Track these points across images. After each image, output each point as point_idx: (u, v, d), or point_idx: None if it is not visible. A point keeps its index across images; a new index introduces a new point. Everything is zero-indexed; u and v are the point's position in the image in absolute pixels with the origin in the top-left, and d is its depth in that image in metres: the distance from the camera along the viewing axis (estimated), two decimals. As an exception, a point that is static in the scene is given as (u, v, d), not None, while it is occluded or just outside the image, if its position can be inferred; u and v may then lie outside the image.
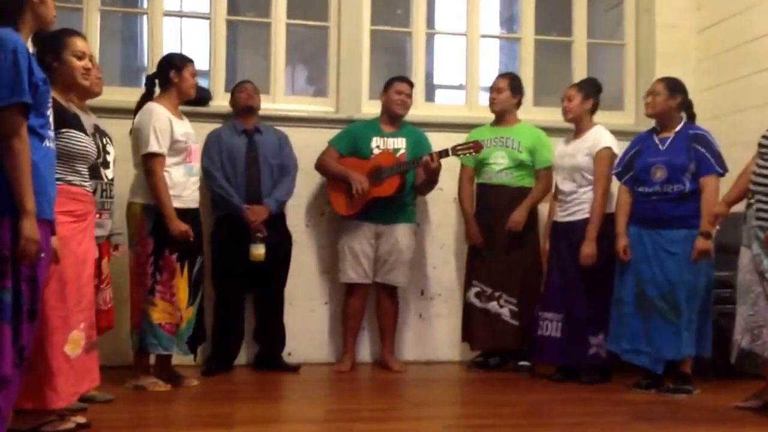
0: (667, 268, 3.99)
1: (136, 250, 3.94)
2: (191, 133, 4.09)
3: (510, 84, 4.73)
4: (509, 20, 7.19)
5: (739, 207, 3.73)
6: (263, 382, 4.35)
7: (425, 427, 3.36)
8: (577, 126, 4.45)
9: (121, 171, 3.92)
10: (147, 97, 4.09)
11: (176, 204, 3.91)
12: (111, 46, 6.05)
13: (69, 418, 3.02)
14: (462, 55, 5.42)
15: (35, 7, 2.63)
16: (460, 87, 5.72)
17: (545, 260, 4.54)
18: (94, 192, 3.40)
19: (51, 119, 2.69)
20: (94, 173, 3.41)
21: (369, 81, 5.09)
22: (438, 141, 4.63)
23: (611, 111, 5.25)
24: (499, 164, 4.64)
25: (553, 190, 4.59)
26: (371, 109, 4.88)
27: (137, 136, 3.93)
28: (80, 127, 3.11)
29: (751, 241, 3.51)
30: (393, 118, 4.71)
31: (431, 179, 4.57)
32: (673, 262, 3.97)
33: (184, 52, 4.23)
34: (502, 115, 4.75)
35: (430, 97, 6.41)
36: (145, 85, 4.14)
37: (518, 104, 4.79)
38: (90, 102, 3.73)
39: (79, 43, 3.17)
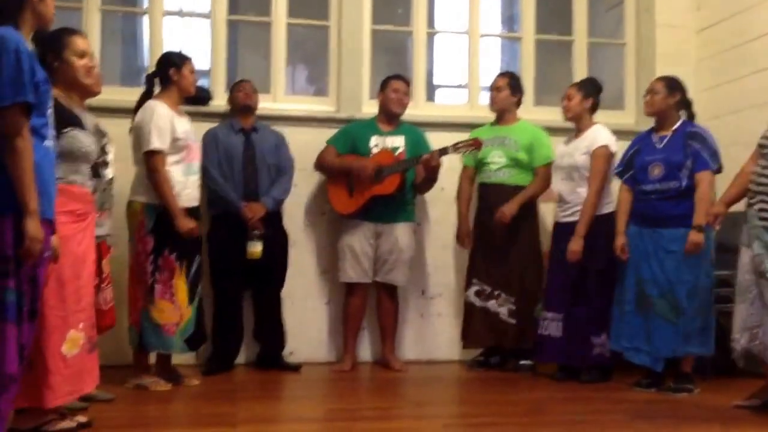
0: (666, 267, 3.99)
1: (136, 249, 3.94)
2: (191, 130, 4.10)
3: (509, 83, 4.74)
4: (510, 19, 7.20)
5: (740, 206, 3.73)
6: (264, 382, 4.35)
7: (426, 426, 3.36)
8: (577, 125, 4.46)
9: (118, 170, 3.91)
10: (147, 95, 4.09)
11: (176, 203, 3.91)
12: (111, 46, 6.05)
13: (70, 417, 3.02)
14: (463, 55, 5.43)
15: (35, 6, 2.63)
16: (460, 86, 5.72)
17: (546, 260, 4.55)
18: (94, 191, 3.40)
19: (51, 119, 2.69)
20: (94, 172, 3.41)
21: (370, 80, 5.09)
22: (439, 141, 4.62)
23: (612, 110, 5.25)
24: (496, 163, 4.65)
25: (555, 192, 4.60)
26: (372, 108, 4.87)
27: (138, 134, 3.93)
28: (83, 127, 3.11)
29: (751, 241, 3.52)
30: (390, 117, 4.71)
31: (431, 177, 4.58)
32: (672, 261, 3.98)
33: (184, 52, 4.23)
34: (502, 114, 4.76)
35: (430, 96, 6.42)
36: (145, 83, 4.15)
37: (518, 103, 4.79)
38: (90, 101, 3.72)
39: (79, 42, 3.17)
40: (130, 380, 3.91)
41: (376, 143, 4.66)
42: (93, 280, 3.22)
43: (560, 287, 4.34)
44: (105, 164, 3.67)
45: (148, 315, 3.89)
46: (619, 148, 4.38)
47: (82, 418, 3.06)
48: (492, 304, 4.60)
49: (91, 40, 4.25)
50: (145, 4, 5.39)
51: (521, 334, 4.55)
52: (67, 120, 3.01)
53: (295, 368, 4.56)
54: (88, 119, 3.42)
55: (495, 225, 4.54)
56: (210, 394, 3.88)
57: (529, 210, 4.67)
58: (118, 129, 4.00)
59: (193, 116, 4.33)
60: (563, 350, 4.29)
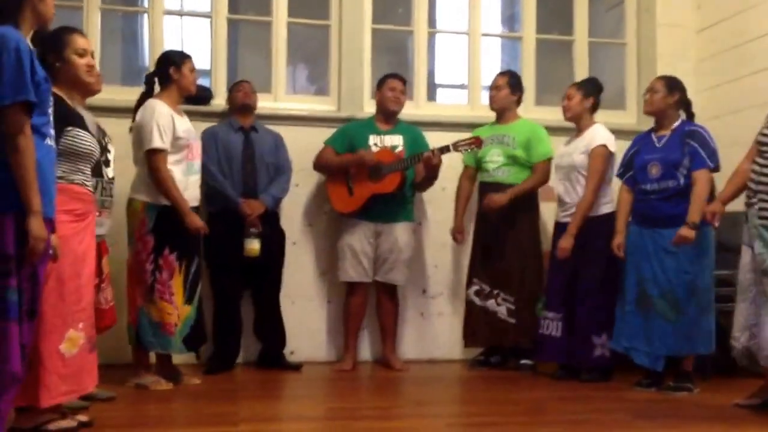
0: (667, 267, 4.00)
1: (136, 248, 3.93)
2: (191, 129, 4.10)
3: (509, 82, 4.73)
4: (510, 19, 7.19)
5: (740, 206, 3.73)
6: (265, 381, 4.35)
7: (427, 425, 3.36)
8: (577, 125, 4.46)
9: (118, 169, 3.90)
10: (147, 95, 4.09)
11: (176, 203, 3.91)
12: (111, 45, 6.04)
13: (71, 416, 3.01)
14: (463, 54, 5.43)
15: (35, 5, 2.62)
16: (461, 86, 5.72)
17: (546, 260, 4.56)
18: (95, 190, 3.40)
19: (51, 118, 2.69)
20: (96, 171, 3.41)
21: (370, 80, 5.09)
22: (440, 140, 4.61)
23: (612, 110, 5.26)
24: (494, 162, 4.65)
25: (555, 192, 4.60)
26: (373, 108, 4.86)
27: (139, 133, 3.93)
28: (85, 126, 3.11)
29: (752, 240, 3.52)
30: (388, 116, 4.71)
31: (432, 176, 4.58)
32: (672, 261, 3.98)
33: (184, 51, 4.23)
34: (502, 113, 4.76)
35: (431, 96, 6.41)
36: (145, 83, 4.14)
37: (518, 102, 4.79)
38: (90, 101, 3.72)
39: (80, 41, 3.17)
40: (130, 379, 3.91)
41: (374, 142, 4.66)
42: (93, 280, 3.22)
43: (560, 287, 4.35)
44: (107, 163, 3.67)
45: (147, 314, 3.89)
46: (620, 148, 4.38)
47: (82, 418, 3.06)
48: (491, 303, 4.60)
49: (91, 40, 4.24)
50: (146, 3, 5.39)
51: (521, 333, 4.55)
52: (68, 119, 3.00)
53: (296, 367, 4.56)
54: (90, 118, 3.42)
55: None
56: (211, 394, 3.87)
57: (530, 209, 4.67)
58: (118, 128, 4.00)
59: (193, 116, 4.33)
60: (564, 350, 4.29)
